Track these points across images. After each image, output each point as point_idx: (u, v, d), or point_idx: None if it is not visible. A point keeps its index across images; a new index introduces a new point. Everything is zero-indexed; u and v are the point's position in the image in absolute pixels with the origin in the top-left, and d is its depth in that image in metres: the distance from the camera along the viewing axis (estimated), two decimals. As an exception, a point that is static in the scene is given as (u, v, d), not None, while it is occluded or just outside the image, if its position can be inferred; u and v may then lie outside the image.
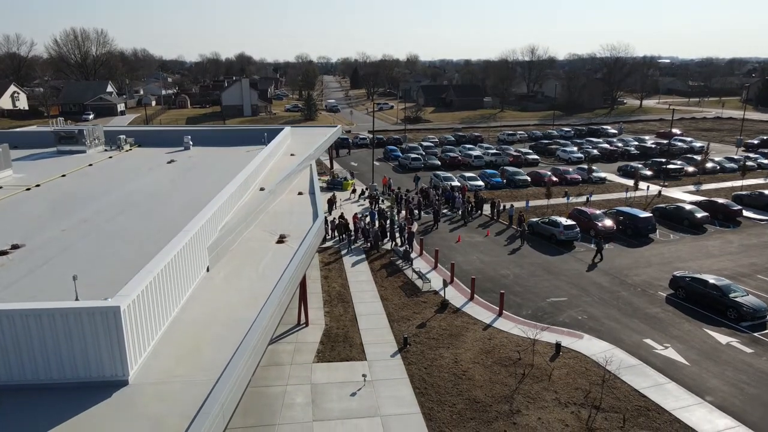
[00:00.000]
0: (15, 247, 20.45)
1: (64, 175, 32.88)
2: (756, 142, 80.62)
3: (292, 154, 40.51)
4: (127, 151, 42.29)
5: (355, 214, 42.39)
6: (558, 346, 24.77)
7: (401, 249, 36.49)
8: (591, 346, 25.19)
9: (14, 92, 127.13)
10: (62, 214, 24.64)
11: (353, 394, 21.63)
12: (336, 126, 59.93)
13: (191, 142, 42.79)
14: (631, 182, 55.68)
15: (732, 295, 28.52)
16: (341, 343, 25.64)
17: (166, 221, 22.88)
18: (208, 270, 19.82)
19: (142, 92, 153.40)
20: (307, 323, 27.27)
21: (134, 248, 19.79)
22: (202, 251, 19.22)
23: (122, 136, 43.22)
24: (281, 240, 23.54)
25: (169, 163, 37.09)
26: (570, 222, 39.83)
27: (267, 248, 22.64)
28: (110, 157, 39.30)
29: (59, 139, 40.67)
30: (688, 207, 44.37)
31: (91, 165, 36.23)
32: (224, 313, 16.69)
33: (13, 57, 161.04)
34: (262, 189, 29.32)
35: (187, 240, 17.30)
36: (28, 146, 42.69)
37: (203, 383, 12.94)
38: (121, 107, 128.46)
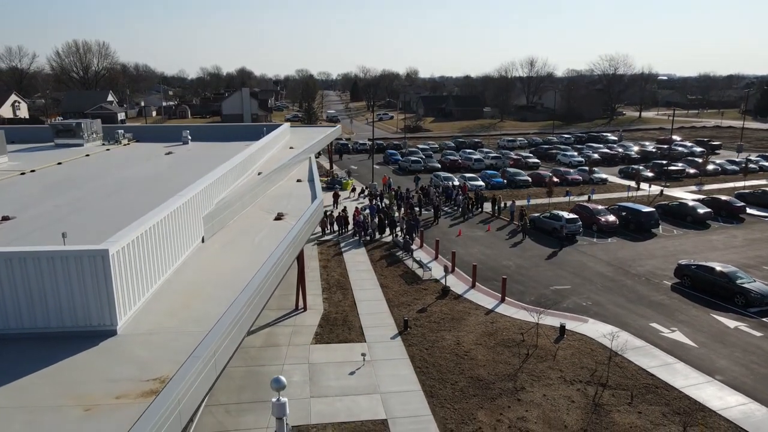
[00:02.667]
0: (5, 218, 19.98)
1: (60, 163, 32.51)
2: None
3: (291, 147, 40.20)
4: (125, 145, 41.98)
5: (356, 208, 41.96)
6: (562, 328, 24.15)
7: (401, 240, 35.97)
8: (596, 329, 24.56)
9: (15, 101, 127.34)
10: (56, 194, 24.21)
11: (352, 373, 20.98)
12: (336, 126, 59.74)
13: (190, 137, 42.51)
14: (632, 183, 55.27)
15: (739, 281, 27.94)
16: (340, 326, 25.01)
17: (161, 199, 22.36)
18: (203, 241, 19.32)
19: (143, 104, 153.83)
20: (305, 308, 26.65)
21: (127, 220, 19.27)
22: (197, 220, 18.74)
23: (120, 131, 42.98)
24: (279, 217, 23.08)
25: (166, 154, 36.75)
26: (572, 216, 39.35)
27: (264, 224, 22.17)
28: (108, 150, 38.99)
29: (57, 132, 40.40)
30: (691, 203, 43.95)
31: (88, 155, 35.90)
32: (218, 275, 16.19)
33: (15, 70, 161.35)
34: (259, 173, 28.91)
35: (181, 203, 16.86)
36: (25, 141, 42.40)
37: (195, 334, 12.38)
38: (121, 116, 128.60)
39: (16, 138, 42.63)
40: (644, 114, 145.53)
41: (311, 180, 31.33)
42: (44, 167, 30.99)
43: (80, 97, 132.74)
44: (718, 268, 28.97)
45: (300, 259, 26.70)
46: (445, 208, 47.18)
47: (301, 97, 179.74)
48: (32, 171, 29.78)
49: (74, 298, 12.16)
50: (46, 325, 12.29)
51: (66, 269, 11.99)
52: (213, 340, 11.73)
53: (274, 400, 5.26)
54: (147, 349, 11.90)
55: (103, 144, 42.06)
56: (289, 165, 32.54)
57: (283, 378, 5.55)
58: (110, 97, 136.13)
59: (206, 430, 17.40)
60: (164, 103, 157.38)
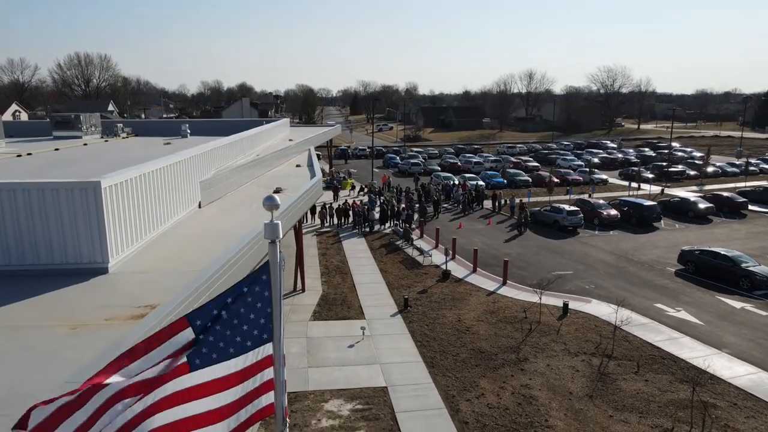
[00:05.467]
0: None
1: (57, 149, 32.25)
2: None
3: (290, 140, 40.02)
4: (123, 138, 41.77)
5: (354, 201, 41.70)
6: (565, 306, 23.72)
7: (401, 229, 35.60)
8: (600, 309, 24.11)
9: (16, 111, 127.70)
10: (52, 170, 23.89)
11: (351, 346, 20.50)
12: (336, 125, 59.73)
13: (189, 131, 42.29)
14: (633, 184, 54.99)
15: (744, 264, 27.56)
16: (339, 305, 24.56)
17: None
18: (200, 206, 18.99)
19: (143, 116, 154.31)
20: (303, 289, 26.24)
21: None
22: (194, 184, 18.43)
23: (119, 125, 42.82)
24: (278, 191, 22.75)
25: (165, 144, 36.52)
26: (573, 208, 39.05)
27: (263, 195, 21.83)
28: (106, 141, 38.80)
29: (55, 124, 40.14)
30: (692, 198, 43.68)
31: (86, 144, 35.68)
32: (215, 231, 15.82)
33: (16, 84, 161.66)
34: (257, 156, 28.67)
35: (178, 160, 16.56)
36: (24, 135, 42.20)
37: (189, 273, 11.97)
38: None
39: (14, 133, 42.43)
40: (643, 126, 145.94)
41: (310, 165, 31.09)
42: (41, 152, 30.72)
43: (80, 107, 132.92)
44: (722, 252, 28.60)
45: (299, 240, 26.40)
46: (445, 205, 46.86)
47: (300, 108, 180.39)
48: (29, 154, 29.50)
49: (64, 233, 11.79)
50: (36, 261, 11.89)
51: (57, 202, 11.64)
52: (207, 274, 11.33)
53: (266, 222, 4.85)
54: (139, 284, 11.51)
55: (102, 137, 41.85)
56: (289, 153, 32.34)
57: (276, 197, 5.17)
58: (111, 107, 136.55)
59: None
60: (164, 115, 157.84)
